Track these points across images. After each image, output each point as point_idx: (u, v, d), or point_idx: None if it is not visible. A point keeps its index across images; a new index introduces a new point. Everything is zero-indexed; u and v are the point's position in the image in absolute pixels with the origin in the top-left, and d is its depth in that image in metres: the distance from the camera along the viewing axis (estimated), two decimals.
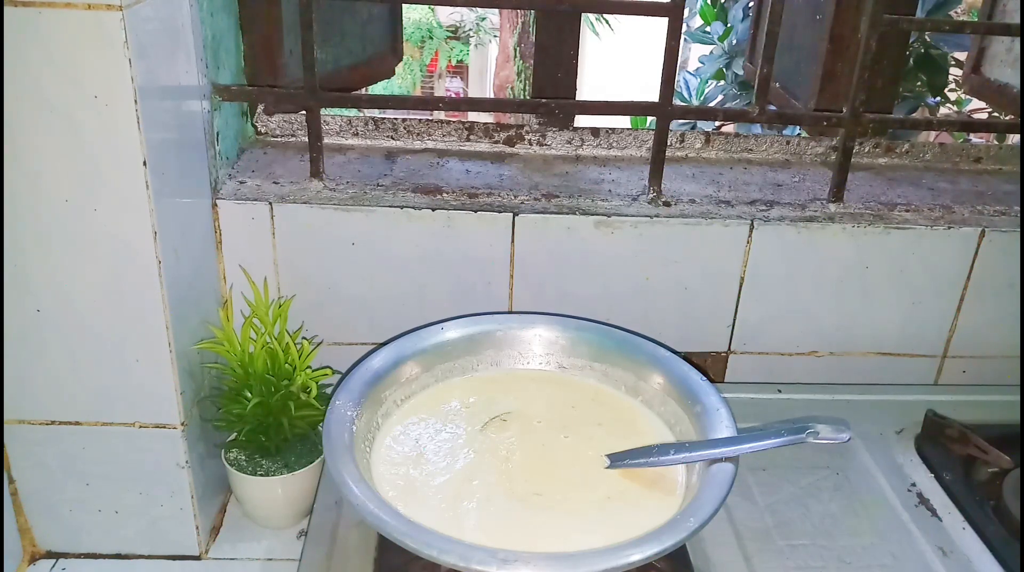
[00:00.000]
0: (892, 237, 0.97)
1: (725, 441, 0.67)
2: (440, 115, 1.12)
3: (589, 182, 1.02)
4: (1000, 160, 1.17)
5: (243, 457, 0.91)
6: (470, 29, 8.59)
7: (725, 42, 2.47)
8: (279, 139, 1.09)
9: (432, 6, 5.23)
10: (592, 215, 0.94)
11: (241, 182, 0.95)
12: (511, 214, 0.93)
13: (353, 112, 1.23)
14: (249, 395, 0.86)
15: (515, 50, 5.93)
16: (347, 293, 0.95)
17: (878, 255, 0.98)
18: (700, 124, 2.18)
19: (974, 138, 2.36)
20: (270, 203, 0.91)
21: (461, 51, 8.77)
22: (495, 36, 7.82)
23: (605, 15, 6.62)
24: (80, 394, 0.81)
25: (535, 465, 0.71)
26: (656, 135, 0.96)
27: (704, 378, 0.75)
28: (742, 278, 0.98)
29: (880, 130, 1.12)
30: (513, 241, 0.94)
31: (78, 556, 0.90)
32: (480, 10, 7.90)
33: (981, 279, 1.00)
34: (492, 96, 6.32)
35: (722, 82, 2.56)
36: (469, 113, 4.90)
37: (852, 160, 1.00)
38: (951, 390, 0.99)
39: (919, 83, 2.05)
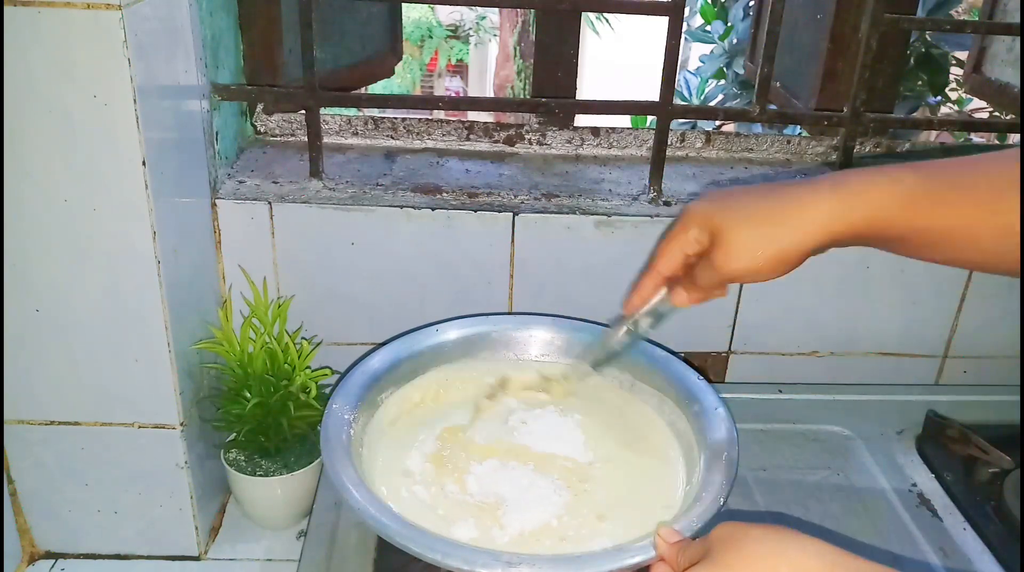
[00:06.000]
0: None
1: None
2: (440, 114, 1.12)
3: (589, 182, 1.02)
4: None
5: (242, 457, 0.90)
6: (470, 28, 8.58)
7: (726, 41, 2.47)
8: (278, 139, 1.09)
9: (432, 5, 5.22)
10: (592, 215, 0.93)
11: (240, 182, 0.95)
12: (511, 214, 0.92)
13: (352, 111, 1.23)
14: (248, 395, 0.86)
15: (515, 49, 5.93)
16: (346, 293, 0.95)
17: (879, 255, 0.96)
18: (700, 123, 2.17)
19: (975, 138, 2.35)
20: (269, 203, 0.91)
21: (461, 50, 8.76)
22: (495, 35, 7.81)
23: (605, 14, 6.62)
24: (79, 394, 0.81)
25: (533, 459, 0.71)
26: (656, 134, 0.96)
27: (701, 378, 0.75)
28: None
29: (881, 130, 1.11)
30: (513, 241, 0.93)
31: (77, 556, 0.90)
32: (480, 9, 7.90)
33: (982, 279, 0.99)
34: (492, 95, 6.31)
35: (722, 81, 2.56)
36: (469, 112, 4.90)
37: (853, 159, 1.00)
38: (952, 390, 0.99)
39: (920, 82, 2.05)
